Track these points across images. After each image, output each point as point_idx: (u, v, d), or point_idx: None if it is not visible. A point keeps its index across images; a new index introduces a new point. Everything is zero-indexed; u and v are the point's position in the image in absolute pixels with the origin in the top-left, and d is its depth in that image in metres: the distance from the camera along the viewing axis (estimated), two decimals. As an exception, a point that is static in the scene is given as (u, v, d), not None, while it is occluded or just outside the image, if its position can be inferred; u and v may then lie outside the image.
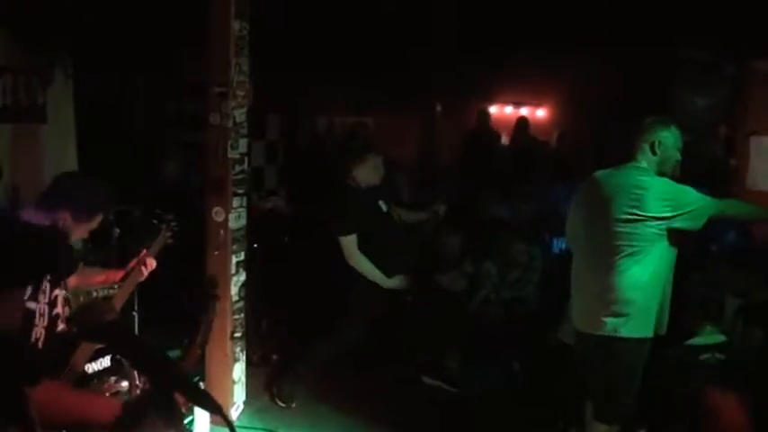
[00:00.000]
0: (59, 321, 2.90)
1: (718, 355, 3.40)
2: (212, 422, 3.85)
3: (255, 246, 4.94)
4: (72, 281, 3.17)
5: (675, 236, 3.24)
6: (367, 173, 4.65)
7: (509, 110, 10.11)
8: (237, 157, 4.16)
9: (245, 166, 4.26)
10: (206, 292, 3.99)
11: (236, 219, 4.20)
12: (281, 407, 4.59)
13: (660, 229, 3.19)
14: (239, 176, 4.19)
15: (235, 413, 4.37)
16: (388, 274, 4.56)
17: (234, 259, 4.21)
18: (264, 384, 4.84)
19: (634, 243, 3.19)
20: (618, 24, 6.92)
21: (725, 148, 6.32)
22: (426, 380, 5.04)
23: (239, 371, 4.39)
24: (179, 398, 2.12)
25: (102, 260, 4.43)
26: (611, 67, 7.79)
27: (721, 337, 3.51)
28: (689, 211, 3.18)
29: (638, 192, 3.20)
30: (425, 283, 5.26)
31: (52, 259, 2.76)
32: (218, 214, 4.13)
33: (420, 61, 8.08)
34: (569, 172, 6.75)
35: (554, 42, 7.75)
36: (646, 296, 3.23)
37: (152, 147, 6.53)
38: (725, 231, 4.88)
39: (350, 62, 7.12)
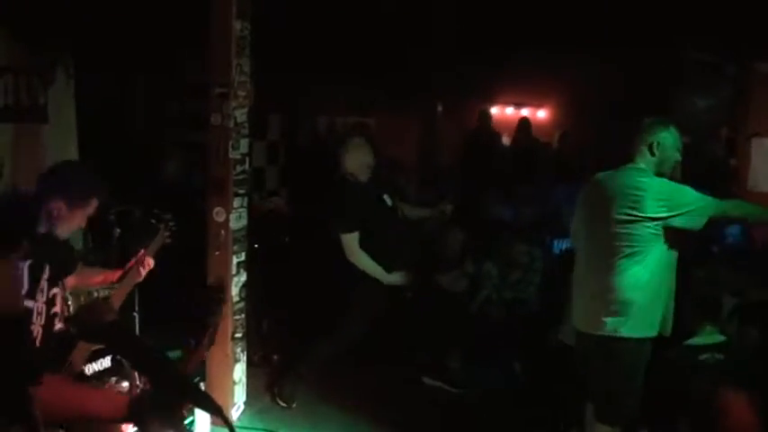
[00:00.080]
0: (57, 320, 2.89)
1: (717, 356, 3.40)
2: (213, 423, 3.86)
3: (256, 246, 4.94)
4: (71, 281, 3.17)
5: (676, 236, 3.24)
6: (356, 159, 4.56)
7: (510, 111, 10.10)
8: (239, 157, 4.16)
9: (247, 166, 4.26)
10: (212, 295, 4.00)
11: (237, 219, 4.21)
12: (282, 407, 4.59)
13: (657, 230, 3.20)
14: (240, 177, 4.20)
15: (235, 414, 4.37)
16: (389, 269, 4.55)
17: (235, 260, 4.21)
18: (265, 385, 4.84)
19: (633, 244, 3.21)
20: (619, 25, 6.93)
21: (725, 149, 6.32)
22: (427, 380, 5.04)
23: (240, 371, 4.39)
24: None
25: (102, 260, 4.44)
26: (612, 68, 7.79)
27: (721, 337, 3.51)
28: (686, 212, 3.18)
29: (636, 193, 3.21)
30: (426, 281, 5.25)
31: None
32: (219, 214, 4.14)
33: (421, 62, 8.08)
34: (571, 173, 6.75)
35: (555, 43, 7.76)
36: (645, 296, 3.24)
37: (153, 147, 6.53)
38: (725, 232, 4.88)
39: (351, 62, 7.12)
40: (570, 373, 3.76)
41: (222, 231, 4.14)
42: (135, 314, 4.36)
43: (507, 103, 10.11)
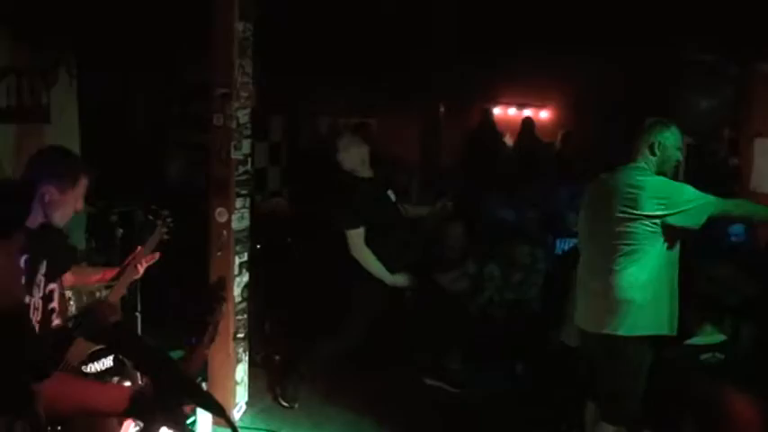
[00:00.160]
0: (54, 316, 2.89)
1: (718, 355, 3.40)
2: (215, 423, 3.86)
3: (258, 246, 4.94)
4: (69, 278, 3.16)
5: (675, 235, 3.25)
6: (352, 154, 4.54)
7: (512, 111, 10.10)
8: (241, 157, 4.17)
9: (249, 167, 4.27)
10: (213, 294, 4.00)
11: (240, 220, 4.21)
12: (284, 407, 4.59)
13: (655, 228, 3.20)
14: (242, 177, 4.20)
15: (237, 414, 4.37)
16: (392, 269, 4.54)
17: (237, 260, 4.22)
18: (267, 385, 4.85)
19: (631, 242, 3.22)
20: (621, 25, 6.92)
21: (728, 150, 6.31)
22: (429, 381, 5.04)
23: (242, 371, 4.40)
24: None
25: (105, 261, 4.45)
26: (614, 68, 7.78)
27: (722, 337, 3.51)
28: (684, 210, 3.18)
29: (634, 191, 3.22)
30: (426, 280, 5.25)
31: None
32: (221, 215, 4.14)
33: (423, 62, 8.08)
34: (573, 173, 6.74)
35: (557, 43, 7.75)
36: (645, 295, 3.24)
37: (155, 147, 6.54)
38: (728, 231, 4.87)
39: (353, 63, 7.12)
40: (572, 374, 3.76)
41: (224, 232, 4.14)
42: (137, 314, 4.36)
43: (510, 104, 10.10)
